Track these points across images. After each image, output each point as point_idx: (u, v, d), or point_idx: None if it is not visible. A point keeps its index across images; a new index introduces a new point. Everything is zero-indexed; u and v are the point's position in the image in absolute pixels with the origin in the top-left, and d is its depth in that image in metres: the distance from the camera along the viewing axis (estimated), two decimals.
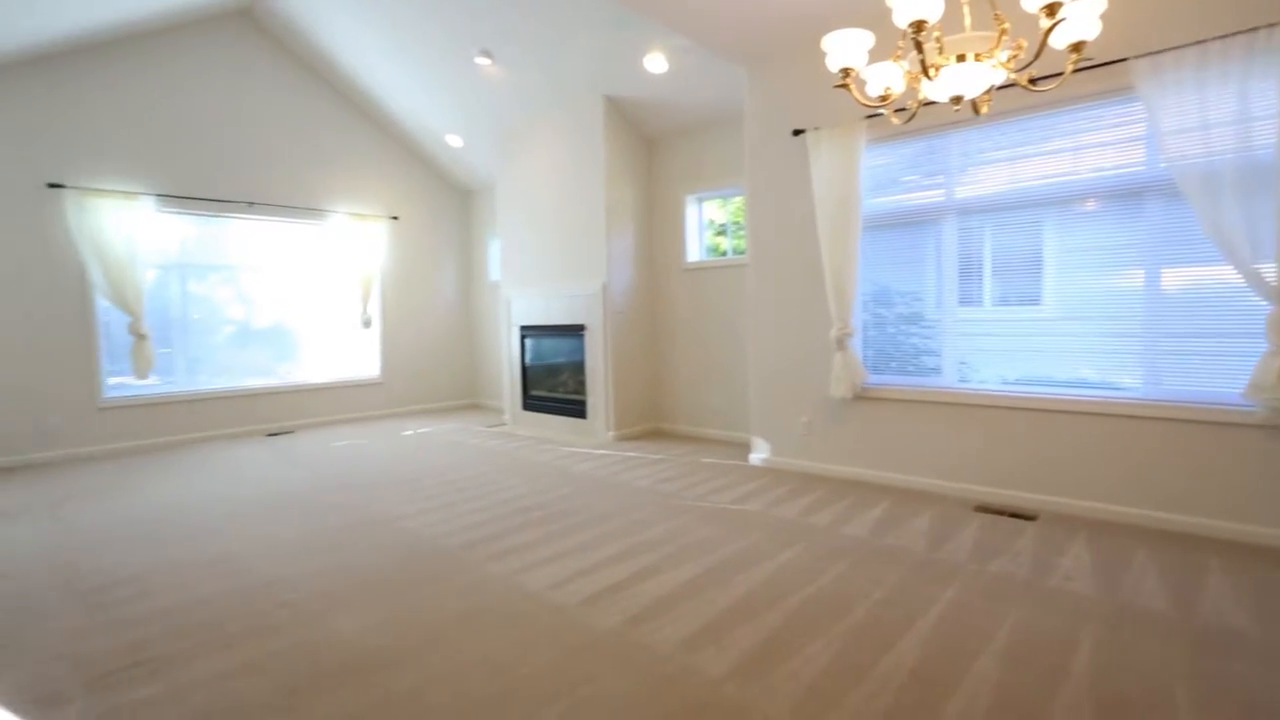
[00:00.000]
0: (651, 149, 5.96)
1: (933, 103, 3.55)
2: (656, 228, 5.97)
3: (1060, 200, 3.47)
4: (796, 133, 4.22)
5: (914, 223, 3.99)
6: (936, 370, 3.95)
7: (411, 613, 2.45)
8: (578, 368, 5.89)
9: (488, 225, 7.77)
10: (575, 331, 5.82)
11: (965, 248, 3.80)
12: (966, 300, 3.82)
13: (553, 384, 6.24)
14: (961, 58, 2.05)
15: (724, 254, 5.75)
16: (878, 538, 3.14)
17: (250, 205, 6.33)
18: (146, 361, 5.72)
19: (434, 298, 7.79)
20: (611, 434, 5.59)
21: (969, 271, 3.80)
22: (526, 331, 6.32)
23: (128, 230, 5.60)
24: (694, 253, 5.78)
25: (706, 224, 5.84)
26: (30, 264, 5.24)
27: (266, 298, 6.63)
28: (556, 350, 6.16)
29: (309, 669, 2.07)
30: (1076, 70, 2.99)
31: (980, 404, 3.69)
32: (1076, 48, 2.00)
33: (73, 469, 4.99)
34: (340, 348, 7.08)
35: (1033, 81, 2.17)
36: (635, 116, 5.66)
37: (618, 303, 5.62)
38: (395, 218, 7.37)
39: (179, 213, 5.97)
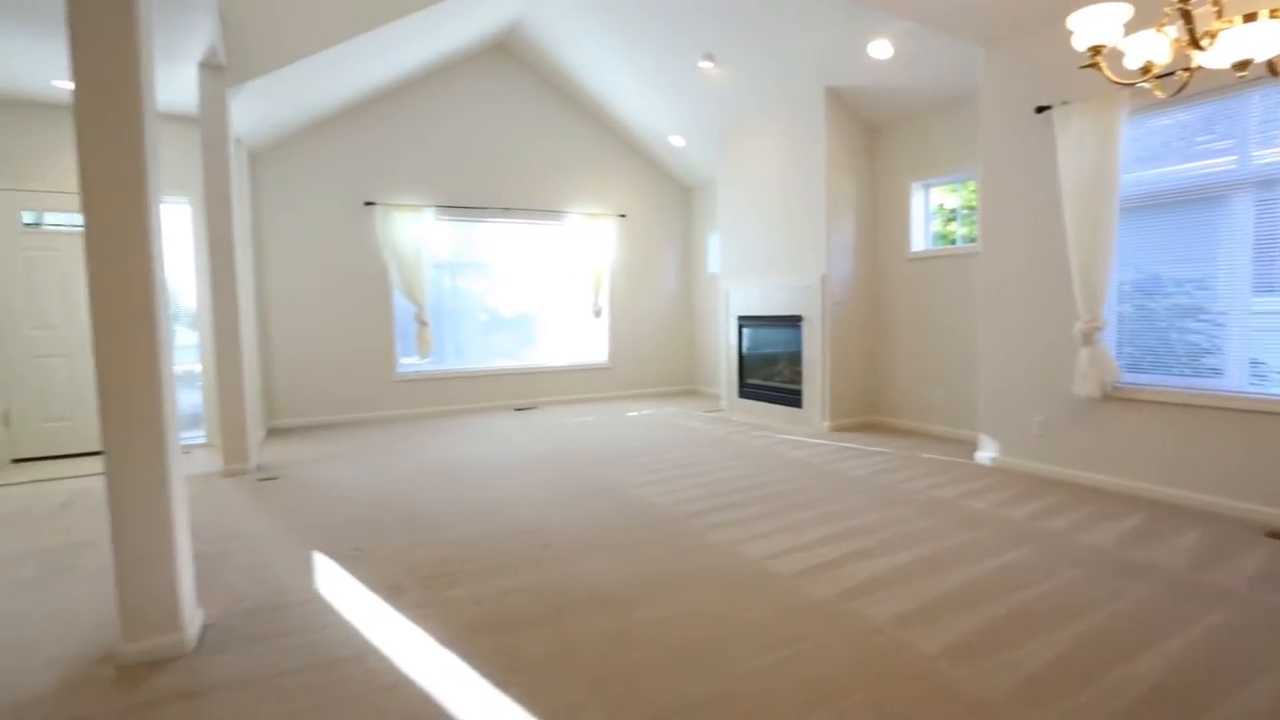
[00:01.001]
0: (874, 136, 5.83)
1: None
2: (879, 217, 5.84)
3: None
4: (1040, 110, 3.91)
5: (1194, 200, 3.49)
6: (1218, 371, 3.43)
7: (645, 563, 2.82)
8: (794, 358, 5.99)
9: (707, 220, 8.13)
10: (792, 322, 5.92)
11: (1264, 225, 3.25)
12: (1264, 288, 3.27)
13: (768, 373, 6.41)
14: (1250, 16, 1.85)
15: (953, 242, 5.45)
16: (1124, 550, 2.88)
17: (503, 210, 7.36)
18: (427, 344, 6.98)
19: (657, 289, 8.36)
20: (826, 424, 5.62)
21: (1268, 253, 3.25)
22: (744, 321, 6.56)
23: (415, 236, 6.85)
24: (919, 242, 5.56)
25: (934, 211, 5.58)
26: (350, 265, 6.67)
27: (513, 290, 7.67)
28: (773, 340, 6.32)
29: (567, 596, 2.52)
30: None
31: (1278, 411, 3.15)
32: None
33: (377, 428, 6.29)
34: (574, 335, 7.94)
35: None
36: (857, 105, 5.58)
37: (837, 294, 5.62)
38: (623, 215, 8.03)
39: (450, 219, 7.16)
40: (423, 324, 6.90)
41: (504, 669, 2.01)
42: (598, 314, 7.86)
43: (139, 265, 2.04)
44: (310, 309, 6.51)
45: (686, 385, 8.60)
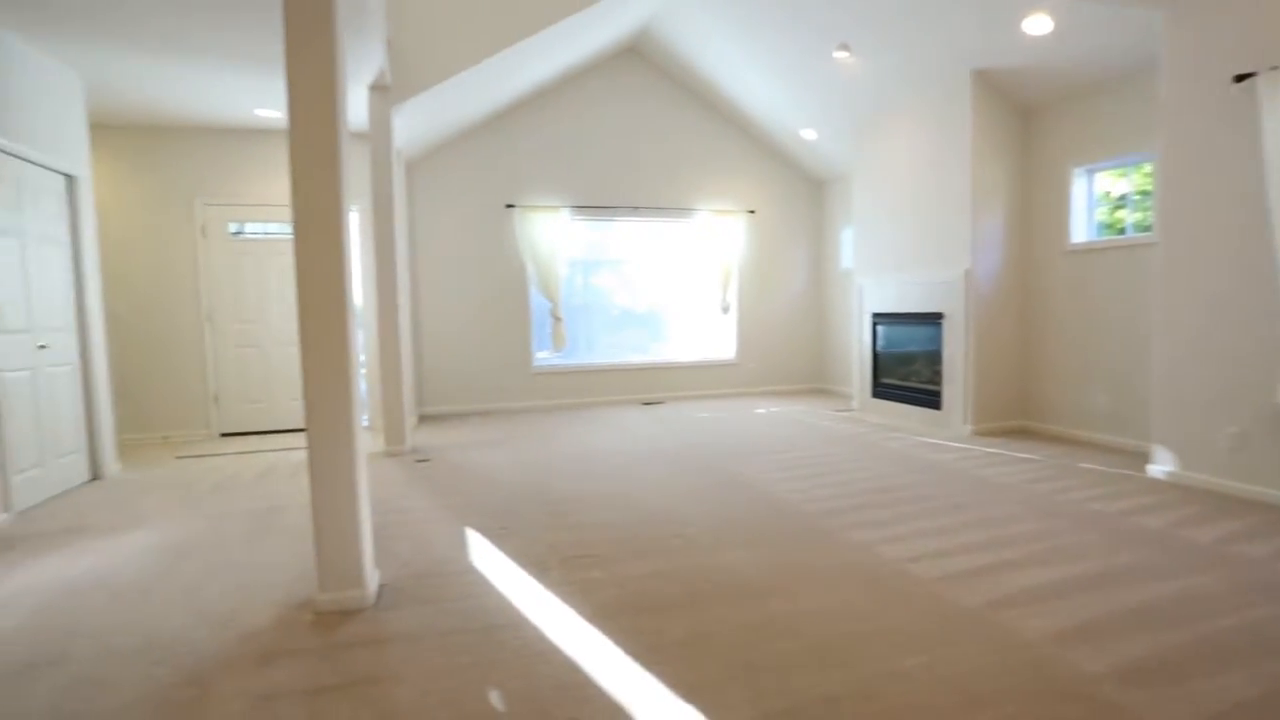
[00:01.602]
0: (1027, 120, 5.40)
1: None
2: (1031, 207, 5.41)
3: None
4: (1240, 78, 3.46)
5: None
6: None
7: (780, 557, 2.83)
8: (932, 357, 5.70)
9: (840, 214, 7.90)
10: (932, 319, 5.63)
11: None
12: None
13: (904, 372, 6.14)
14: None
15: (1121, 231, 4.94)
16: None
17: (634, 209, 7.55)
18: (561, 339, 7.31)
19: (786, 285, 8.24)
20: (969, 428, 5.30)
21: None
22: (879, 319, 6.32)
23: (551, 235, 7.20)
24: (1080, 232, 5.10)
25: (1098, 198, 5.09)
26: (492, 264, 7.13)
27: (643, 286, 7.85)
28: (910, 338, 6.05)
29: (703, 584, 2.58)
30: None
31: None
32: None
33: (515, 417, 6.68)
34: (702, 331, 8.00)
35: None
36: (1008, 87, 5.20)
37: (982, 289, 5.28)
38: (752, 211, 7.98)
39: (583, 219, 7.45)
40: (557, 320, 7.25)
41: (646, 648, 2.11)
42: (726, 310, 7.87)
43: (335, 268, 2.34)
44: (456, 305, 7.04)
45: (815, 383, 8.40)
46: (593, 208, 7.40)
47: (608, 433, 5.75)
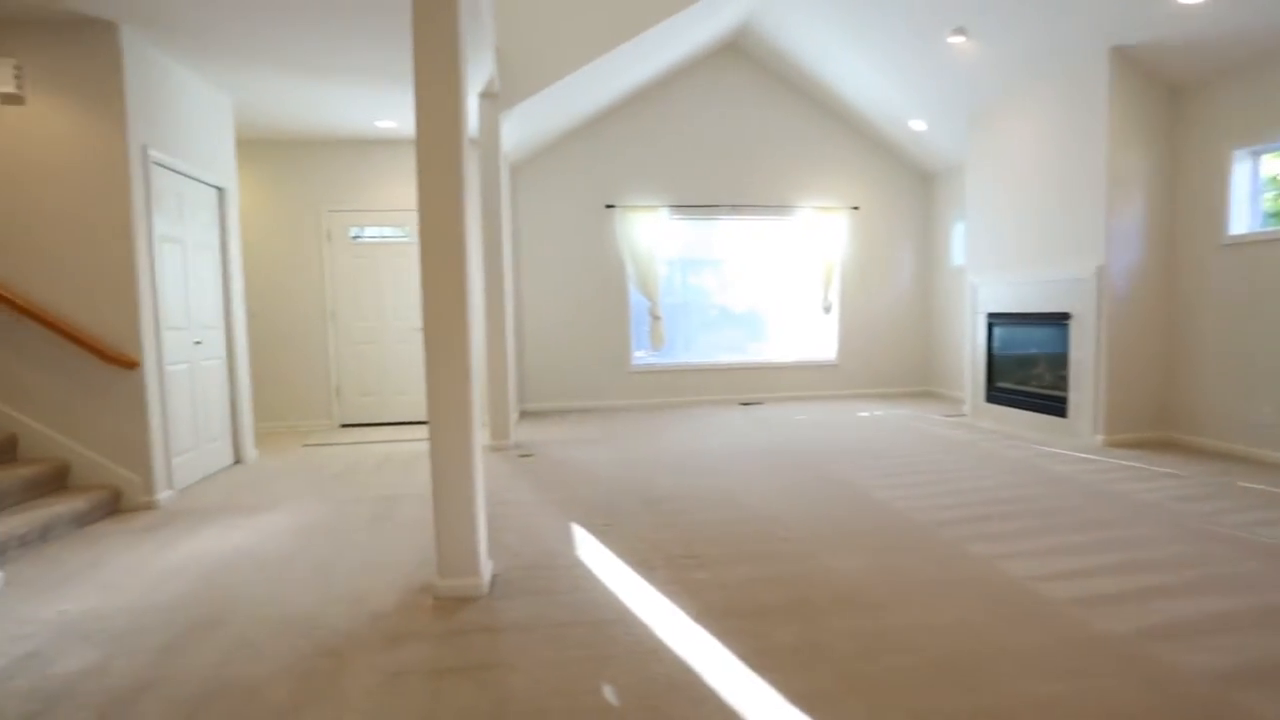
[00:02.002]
0: (1175, 99, 4.90)
1: None
2: (1178, 196, 4.91)
3: None
4: None
5: None
6: None
7: (893, 568, 2.70)
8: (1057, 360, 5.29)
9: (950, 208, 7.49)
10: (1056, 320, 5.23)
11: None
12: None
13: (1023, 376, 5.74)
14: None
15: None
16: None
17: (733, 207, 7.46)
18: (660, 338, 7.34)
19: (891, 284, 7.90)
20: (1100, 438, 4.88)
21: None
22: (995, 319, 5.94)
23: (650, 235, 7.23)
24: (1242, 222, 4.57)
25: (1264, 184, 4.54)
26: (591, 264, 7.25)
27: (743, 285, 7.75)
28: (1031, 340, 5.64)
29: (811, 590, 2.51)
30: None
31: None
32: None
33: (613, 415, 6.77)
34: (802, 331, 7.81)
35: None
36: (1153, 64, 4.74)
37: (1117, 287, 4.84)
38: (856, 208, 7.70)
39: (682, 218, 7.44)
40: (656, 319, 7.28)
41: (755, 653, 2.07)
42: (827, 310, 7.64)
43: (456, 269, 2.44)
44: (556, 304, 7.22)
45: (921, 386, 8.01)
46: (692, 207, 7.38)
47: (707, 432, 5.72)
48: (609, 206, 7.21)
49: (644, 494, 3.85)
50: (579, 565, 2.80)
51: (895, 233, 7.87)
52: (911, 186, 7.88)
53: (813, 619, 2.29)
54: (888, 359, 7.92)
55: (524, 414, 6.95)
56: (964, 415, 6.31)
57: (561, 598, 2.49)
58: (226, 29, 3.76)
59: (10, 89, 3.47)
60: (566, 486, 4.07)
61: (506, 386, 5.31)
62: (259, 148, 6.08)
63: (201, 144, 4.53)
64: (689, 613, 2.35)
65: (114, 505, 3.69)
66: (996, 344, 6.00)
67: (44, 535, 3.18)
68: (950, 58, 5.60)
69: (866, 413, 6.60)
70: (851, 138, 7.68)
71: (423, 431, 5.95)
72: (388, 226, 6.46)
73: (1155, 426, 5.00)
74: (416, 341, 6.41)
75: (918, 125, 6.92)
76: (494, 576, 2.67)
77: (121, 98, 3.64)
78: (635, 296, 7.36)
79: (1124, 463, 4.37)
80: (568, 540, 3.11)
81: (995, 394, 5.98)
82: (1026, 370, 5.72)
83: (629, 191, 7.26)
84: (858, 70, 6.52)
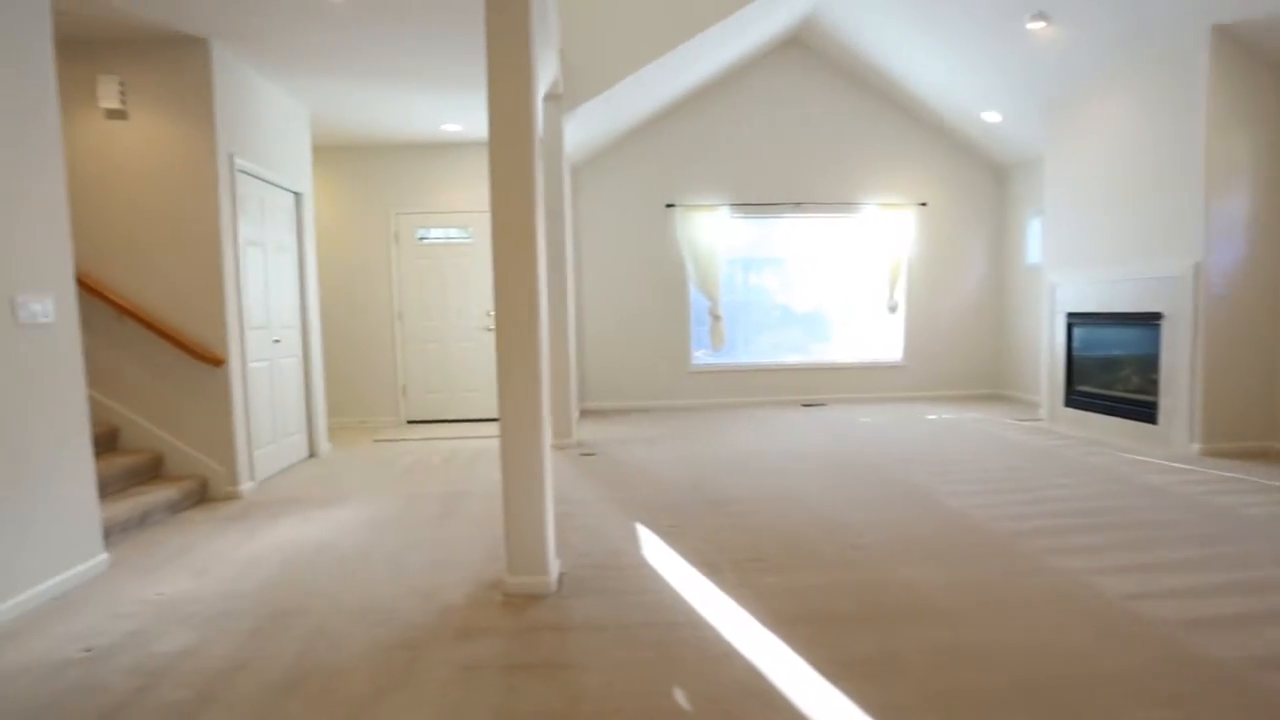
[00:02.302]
0: None
1: None
2: None
3: None
4: None
5: None
6: None
7: (971, 580, 2.59)
8: (1146, 363, 4.98)
9: (1026, 203, 7.15)
10: (1145, 320, 4.92)
11: None
12: None
13: (1108, 380, 5.42)
14: None
15: None
16: None
17: (795, 205, 7.33)
18: (720, 338, 7.28)
19: (961, 282, 7.60)
20: (1196, 446, 4.56)
21: None
22: (1075, 319, 5.63)
23: (710, 234, 7.17)
24: None
25: None
26: (652, 264, 7.24)
27: (805, 285, 7.60)
28: (1116, 341, 5.33)
29: (885, 600, 2.42)
30: None
31: None
32: None
33: (674, 415, 6.74)
34: (867, 331, 7.60)
35: None
36: (1263, 42, 4.39)
37: (1217, 285, 4.51)
38: (923, 204, 7.45)
39: (743, 217, 7.34)
40: (716, 318, 7.22)
41: (829, 662, 2.01)
42: (893, 309, 7.42)
43: (528, 269, 2.46)
44: (616, 303, 7.24)
45: (992, 389, 7.68)
46: (754, 205, 7.29)
47: (769, 433, 5.63)
48: (669, 206, 7.19)
49: (708, 494, 3.82)
50: (645, 565, 2.79)
51: (965, 229, 7.57)
52: (982, 181, 7.57)
53: (887, 629, 2.21)
54: (956, 360, 7.63)
55: (584, 413, 7.00)
56: (1040, 420, 6.01)
57: (629, 598, 2.48)
58: (306, 41, 3.92)
59: (115, 104, 3.71)
60: (629, 486, 4.07)
61: (568, 385, 5.35)
62: (332, 153, 6.32)
63: (281, 151, 4.73)
64: (760, 618, 2.30)
65: (202, 494, 3.90)
66: (1077, 345, 5.69)
67: (142, 521, 3.38)
68: (1029, 44, 5.34)
69: (934, 415, 6.37)
70: (918, 131, 7.42)
71: (486, 429, 6.07)
72: (452, 228, 6.60)
73: (1260, 436, 4.64)
74: (478, 340, 6.55)
75: (991, 117, 6.63)
76: (561, 575, 2.69)
77: (211, 109, 3.84)
78: (695, 296, 7.32)
79: (1225, 474, 4.08)
80: (633, 540, 3.10)
81: (1075, 398, 5.68)
82: (1111, 373, 5.41)
83: (689, 190, 7.22)
84: (926, 62, 6.30)
